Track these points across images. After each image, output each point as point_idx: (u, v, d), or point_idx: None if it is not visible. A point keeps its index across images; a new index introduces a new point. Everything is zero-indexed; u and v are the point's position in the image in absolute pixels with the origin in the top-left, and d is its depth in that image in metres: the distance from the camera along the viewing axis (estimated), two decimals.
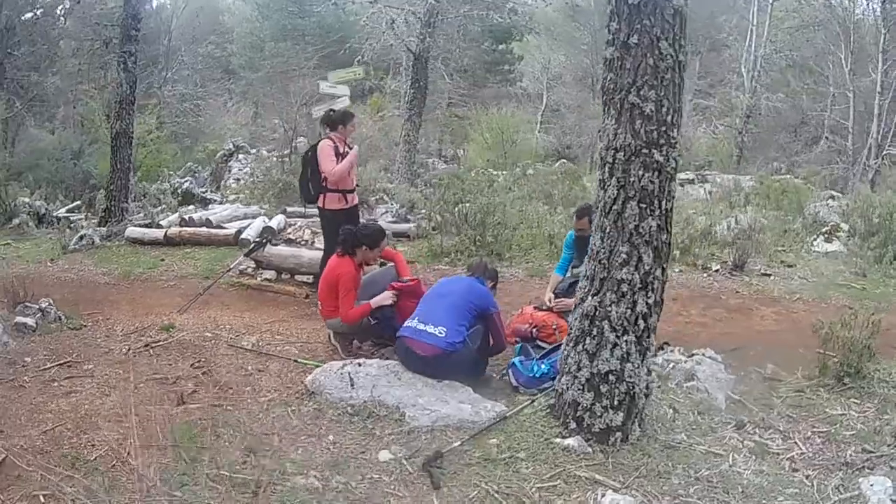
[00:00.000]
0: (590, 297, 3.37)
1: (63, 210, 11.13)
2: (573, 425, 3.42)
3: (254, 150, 17.07)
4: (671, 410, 3.76)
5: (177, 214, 9.72)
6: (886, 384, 4.11)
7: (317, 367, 4.25)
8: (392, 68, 23.68)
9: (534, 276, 7.13)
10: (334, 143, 5.73)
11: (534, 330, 4.88)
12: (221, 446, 3.34)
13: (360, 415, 3.68)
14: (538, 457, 3.24)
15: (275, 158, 14.76)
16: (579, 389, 3.40)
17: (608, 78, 3.23)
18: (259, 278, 6.78)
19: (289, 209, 10.06)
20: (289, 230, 8.41)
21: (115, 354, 4.60)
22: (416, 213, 10.23)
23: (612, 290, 3.32)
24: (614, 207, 3.28)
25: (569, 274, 5.52)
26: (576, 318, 3.47)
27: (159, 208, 11.14)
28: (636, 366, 3.34)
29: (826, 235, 8.47)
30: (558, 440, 3.36)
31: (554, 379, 3.78)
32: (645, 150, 3.21)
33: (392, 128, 18.41)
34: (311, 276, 6.34)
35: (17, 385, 3.92)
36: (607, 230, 3.31)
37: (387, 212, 10.93)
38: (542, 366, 4.08)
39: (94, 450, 3.24)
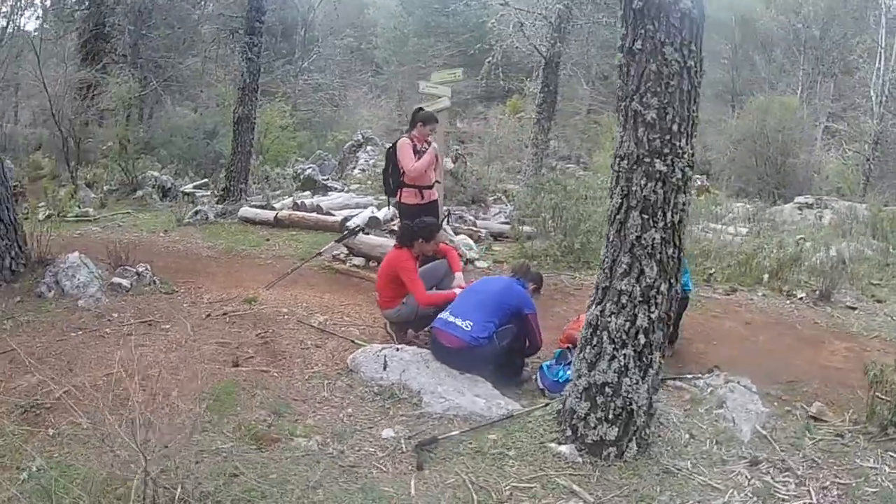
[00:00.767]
0: (594, 306, 3.36)
1: (190, 186, 12.20)
2: (569, 433, 3.43)
3: (382, 143, 17.92)
4: (687, 435, 3.64)
5: (291, 198, 10.51)
6: None
7: None
8: (534, 70, 23.86)
9: None
10: (413, 141, 5.97)
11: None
12: (253, 405, 3.70)
13: (383, 395, 3.91)
14: (527, 458, 3.27)
15: None
16: (577, 398, 3.39)
17: (619, 85, 3.21)
18: (348, 264, 7.20)
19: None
20: (394, 222, 8.84)
21: (194, 318, 5.15)
22: (512, 215, 10.29)
23: (612, 301, 3.29)
24: (618, 217, 3.26)
25: None
26: (583, 327, 3.46)
27: (278, 192, 12.08)
28: (634, 381, 3.28)
29: None
30: (553, 445, 3.38)
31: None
32: (647, 159, 3.16)
33: (527, 130, 18.53)
34: None
35: (98, 335, 4.55)
36: (611, 239, 3.29)
37: (500, 212, 11.09)
38: (567, 371, 4.04)
39: (143, 393, 3.69)
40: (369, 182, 13.36)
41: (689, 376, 4.48)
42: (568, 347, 4.83)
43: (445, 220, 8.32)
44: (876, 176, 18.06)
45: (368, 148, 15.71)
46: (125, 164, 10.87)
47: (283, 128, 15.76)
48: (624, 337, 3.28)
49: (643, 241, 3.21)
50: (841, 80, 23.47)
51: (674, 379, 4.41)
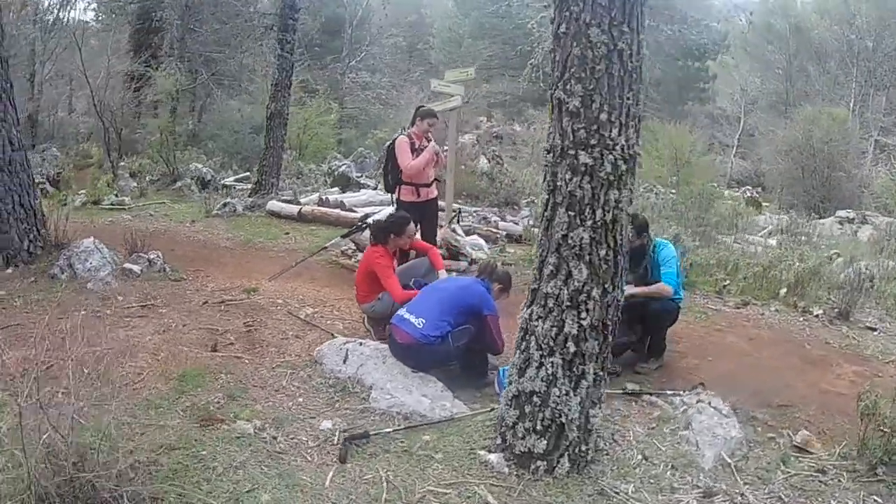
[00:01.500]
0: (524, 309, 3.28)
1: (232, 179, 12.78)
2: (499, 442, 3.35)
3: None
4: (640, 456, 3.52)
5: (317, 194, 10.89)
6: None
7: None
8: None
9: None
10: (411, 139, 6.11)
11: None
12: (214, 387, 3.98)
13: (336, 387, 4.11)
14: (453, 462, 3.31)
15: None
16: (507, 405, 3.32)
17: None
18: (353, 259, 7.46)
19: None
20: (456, 221, 8.98)
21: (191, 305, 5.51)
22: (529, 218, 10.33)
23: (539, 304, 3.17)
24: (546, 214, 3.12)
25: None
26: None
27: (309, 187, 12.50)
28: (564, 392, 3.15)
29: None
30: (482, 453, 3.35)
31: None
32: (571, 152, 2.97)
33: None
34: None
35: (98, 316, 4.95)
36: (540, 238, 3.19)
37: (529, 214, 11.18)
38: None
39: (121, 370, 4.04)
40: None
41: (668, 392, 4.37)
42: None
43: (455, 218, 8.45)
44: None
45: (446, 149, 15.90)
46: (166, 155, 11.49)
47: (322, 124, 16.16)
48: (551, 344, 3.13)
49: (570, 241, 3.04)
50: (893, 94, 22.31)
51: (649, 394, 4.35)
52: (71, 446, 2.40)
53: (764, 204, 13.88)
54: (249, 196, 10.68)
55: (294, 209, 9.75)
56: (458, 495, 3.05)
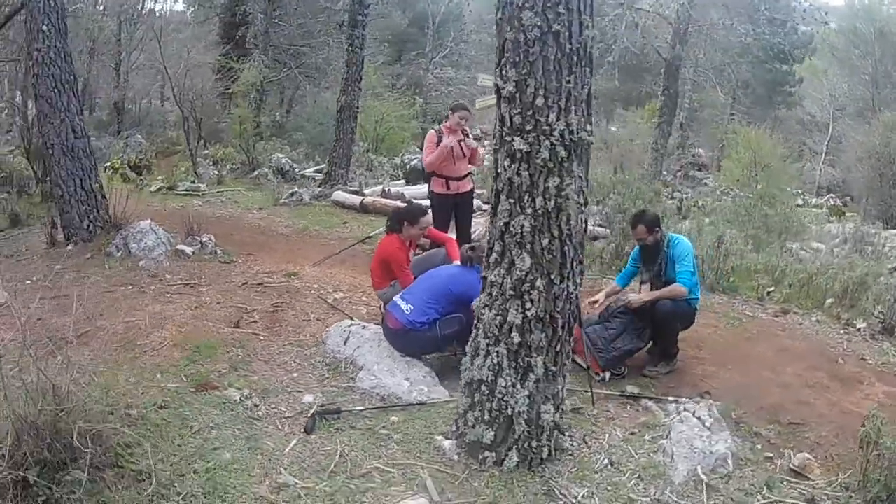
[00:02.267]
0: (479, 296, 3.31)
1: (311, 169, 13.42)
2: (454, 428, 3.40)
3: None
4: (607, 461, 3.43)
5: (381, 186, 11.29)
6: None
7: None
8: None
9: None
10: (440, 133, 6.20)
11: None
12: (222, 359, 4.37)
13: (331, 366, 4.40)
14: (409, 445, 3.43)
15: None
16: (462, 392, 3.37)
17: None
18: None
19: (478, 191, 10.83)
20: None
21: (230, 285, 6.00)
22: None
23: (486, 292, 3.19)
24: (493, 201, 3.13)
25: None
26: None
27: (377, 179, 12.95)
28: (510, 384, 3.14)
29: None
30: (439, 438, 3.43)
31: None
32: (508, 138, 2.94)
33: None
34: None
35: (142, 291, 5.54)
36: (488, 226, 3.22)
37: (596, 213, 11.05)
38: None
39: (146, 339, 4.55)
40: (477, 176, 13.79)
41: (668, 399, 4.26)
42: None
43: None
44: None
45: (485, 143, 16.10)
46: (245, 144, 12.27)
47: (400, 118, 16.53)
48: (496, 333, 3.12)
49: (512, 229, 3.01)
50: None
51: (648, 398, 4.28)
52: (53, 390, 2.78)
53: (848, 213, 12.84)
54: (319, 186, 11.23)
55: (357, 200, 10.17)
56: (401, 475, 3.17)
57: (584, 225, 3.23)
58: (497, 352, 3.17)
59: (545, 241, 3.02)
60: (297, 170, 12.93)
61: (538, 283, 3.06)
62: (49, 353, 3.09)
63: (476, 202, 8.51)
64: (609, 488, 3.25)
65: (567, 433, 3.57)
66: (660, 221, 4.95)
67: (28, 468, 2.63)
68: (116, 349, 4.31)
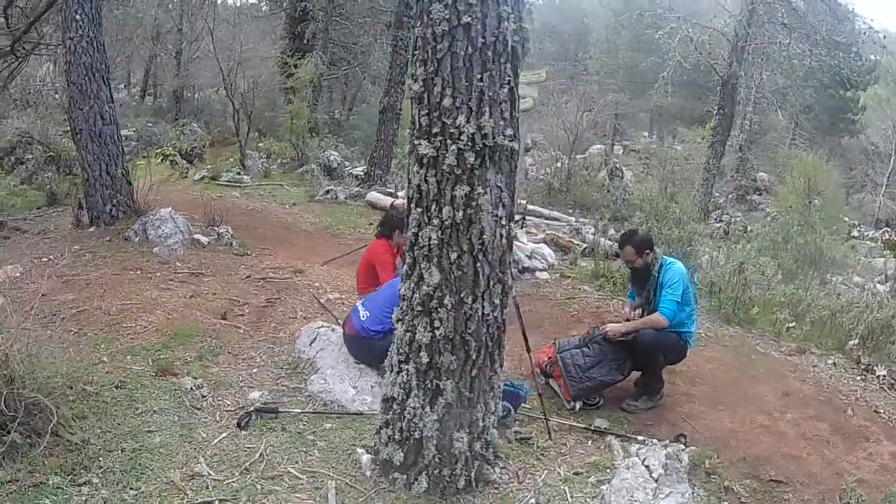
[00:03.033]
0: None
1: (360, 169, 13.71)
2: (373, 444, 3.32)
3: (549, 149, 18.19)
4: (534, 501, 3.24)
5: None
6: None
7: None
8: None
9: None
10: None
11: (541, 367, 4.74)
12: (194, 347, 4.66)
13: (291, 365, 4.58)
14: (329, 453, 3.50)
15: (559, 163, 15.56)
16: (380, 407, 3.30)
17: None
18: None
19: (534, 208, 10.83)
20: (518, 226, 9.23)
21: (234, 278, 6.33)
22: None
23: (399, 306, 3.09)
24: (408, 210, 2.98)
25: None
26: None
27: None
28: (419, 405, 3.02)
29: None
30: (361, 451, 3.43)
31: None
32: (416, 142, 2.78)
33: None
34: None
35: (148, 277, 5.95)
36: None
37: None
38: None
39: (133, 322, 4.92)
40: (521, 187, 13.81)
41: (638, 438, 4.02)
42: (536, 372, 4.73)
43: (519, 223, 8.52)
44: None
45: (535, 152, 16.12)
46: (295, 140, 12.73)
47: None
48: (407, 350, 3.00)
49: (420, 240, 2.85)
50: None
51: (616, 435, 4.08)
52: (6, 359, 3.11)
53: None
54: (358, 185, 11.55)
55: (387, 201, 10.41)
56: (309, 483, 3.24)
57: (505, 240, 2.98)
58: (407, 370, 3.06)
59: (453, 256, 2.83)
60: (346, 168, 13.29)
61: (446, 300, 2.88)
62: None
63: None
64: None
65: (498, 465, 3.44)
66: (652, 244, 4.70)
67: None
68: (102, 329, 4.70)
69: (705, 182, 13.83)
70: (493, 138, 2.77)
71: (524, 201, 11.86)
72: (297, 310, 5.72)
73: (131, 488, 3.07)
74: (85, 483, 3.04)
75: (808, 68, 14.23)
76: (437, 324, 2.93)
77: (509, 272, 3.13)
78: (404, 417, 3.14)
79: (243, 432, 3.67)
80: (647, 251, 4.60)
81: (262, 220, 8.84)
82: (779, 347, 5.95)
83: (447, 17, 2.62)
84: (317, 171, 12.52)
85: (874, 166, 22.43)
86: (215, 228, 7.16)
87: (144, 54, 17.87)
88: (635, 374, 4.71)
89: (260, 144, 13.70)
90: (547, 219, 10.20)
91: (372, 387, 4.31)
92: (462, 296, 2.89)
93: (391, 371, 3.25)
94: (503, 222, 2.95)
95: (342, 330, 4.64)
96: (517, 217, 8.52)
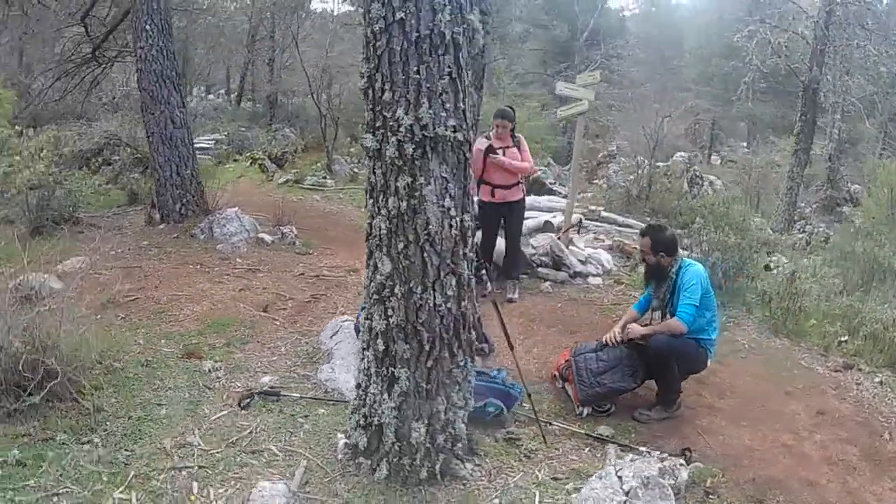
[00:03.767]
0: None
1: None
2: (347, 428, 3.43)
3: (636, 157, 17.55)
4: (498, 502, 3.22)
5: None
6: None
7: None
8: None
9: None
10: (489, 139, 6.19)
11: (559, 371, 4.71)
12: (227, 335, 5.04)
13: (310, 355, 4.80)
14: (312, 436, 3.65)
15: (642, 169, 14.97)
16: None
17: None
18: None
19: (608, 215, 10.56)
20: (575, 231, 9.03)
21: (288, 275, 6.69)
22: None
23: (364, 293, 3.23)
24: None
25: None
26: None
27: None
28: (378, 392, 3.11)
29: None
30: (340, 436, 3.54)
31: None
32: (363, 136, 2.95)
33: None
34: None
35: (206, 271, 6.46)
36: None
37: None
38: None
39: (179, 310, 5.41)
40: (601, 194, 13.42)
41: (640, 449, 3.82)
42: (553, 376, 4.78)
43: (576, 228, 8.24)
44: None
45: (622, 160, 15.56)
46: None
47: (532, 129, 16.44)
48: (367, 336, 3.12)
49: (373, 230, 2.99)
50: None
51: (617, 444, 3.93)
52: (38, 335, 3.61)
53: None
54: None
55: None
56: (284, 460, 3.43)
57: (456, 232, 3.02)
58: (367, 357, 3.18)
59: (400, 245, 2.93)
60: None
61: (397, 289, 2.98)
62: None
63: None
64: None
65: (472, 461, 3.45)
66: (671, 248, 4.44)
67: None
68: (148, 315, 5.22)
69: (789, 191, 12.92)
70: (434, 129, 2.83)
71: (601, 208, 11.55)
72: (338, 305, 5.98)
73: (126, 450, 3.41)
74: (87, 442, 3.42)
75: (892, 73, 12.79)
76: (389, 312, 3.03)
77: (466, 265, 3.15)
78: (367, 403, 3.25)
79: (243, 411, 3.93)
80: (662, 253, 4.40)
81: (335, 223, 9.26)
82: (825, 362, 5.46)
83: (383, 14, 2.74)
84: None
85: None
86: (280, 228, 7.63)
87: (240, 61, 19.16)
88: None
89: (351, 150, 14.30)
90: (620, 226, 9.84)
91: None
92: (411, 286, 2.97)
93: (360, 356, 3.36)
94: (451, 213, 2.99)
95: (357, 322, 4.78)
96: (575, 222, 8.34)
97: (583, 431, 4.10)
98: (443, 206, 2.94)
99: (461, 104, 2.92)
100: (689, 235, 7.58)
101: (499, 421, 4.03)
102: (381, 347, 3.11)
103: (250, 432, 3.71)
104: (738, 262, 6.79)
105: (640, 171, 11.13)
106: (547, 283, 7.09)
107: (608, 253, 8.20)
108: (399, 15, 2.71)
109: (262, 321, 5.40)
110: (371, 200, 3.03)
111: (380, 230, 2.98)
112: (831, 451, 4.09)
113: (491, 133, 6.30)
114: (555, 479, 3.50)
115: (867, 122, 16.92)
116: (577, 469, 3.61)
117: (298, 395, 4.17)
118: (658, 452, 3.70)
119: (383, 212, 2.96)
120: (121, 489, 3.09)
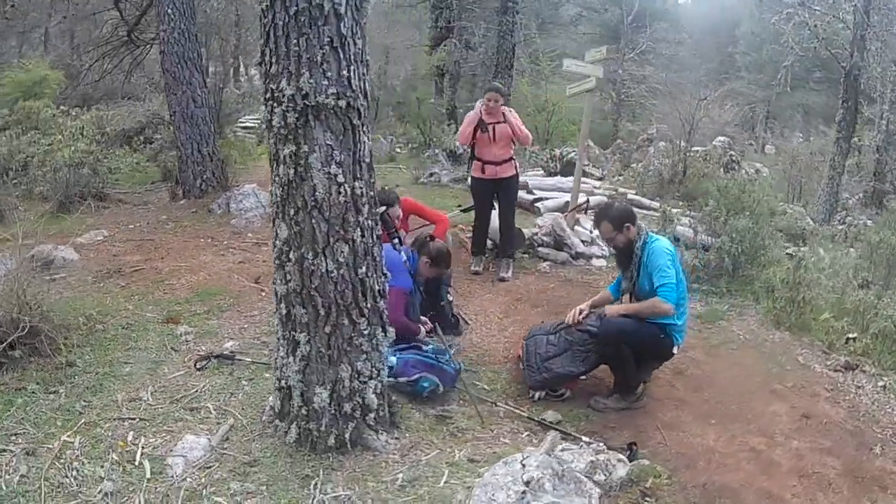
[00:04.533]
0: None
1: None
2: None
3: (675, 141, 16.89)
4: (402, 477, 3.17)
5: None
6: None
7: None
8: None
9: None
10: (479, 114, 6.16)
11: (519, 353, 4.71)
12: (210, 303, 5.44)
13: None
14: (249, 397, 3.84)
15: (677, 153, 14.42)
16: None
17: None
18: (465, 235, 8.02)
19: (635, 198, 10.41)
20: (582, 211, 8.99)
21: None
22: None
23: None
24: None
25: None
26: None
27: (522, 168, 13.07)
28: (283, 354, 3.28)
29: None
30: (272, 398, 3.61)
31: (394, 374, 3.95)
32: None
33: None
34: (491, 242, 7.11)
35: (214, 244, 6.89)
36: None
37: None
38: (393, 358, 4.10)
39: (176, 280, 5.91)
40: (633, 176, 13.08)
41: (583, 438, 3.70)
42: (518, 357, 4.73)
43: (583, 208, 8.14)
44: None
45: (661, 144, 15.04)
46: (421, 125, 13.36)
47: (555, 112, 15.99)
48: (275, 299, 3.24)
49: (273, 197, 3.13)
50: None
51: (560, 431, 3.85)
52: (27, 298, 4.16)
53: None
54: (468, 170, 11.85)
55: None
56: (216, 418, 3.65)
57: (344, 199, 3.11)
58: (275, 320, 3.36)
59: (292, 212, 3.06)
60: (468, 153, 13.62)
61: (292, 254, 3.12)
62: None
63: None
64: None
65: (390, 433, 3.53)
66: (633, 217, 4.27)
67: None
68: (147, 284, 5.75)
69: (830, 181, 12.22)
70: (315, 98, 2.93)
71: (631, 191, 11.32)
72: None
73: (84, 401, 3.85)
74: (53, 392, 3.89)
75: None
76: (288, 277, 3.18)
77: (360, 232, 3.22)
78: (279, 366, 3.39)
79: (198, 372, 4.27)
80: (628, 225, 4.20)
81: None
82: (826, 360, 5.06)
83: None
84: (441, 156, 12.98)
85: None
86: None
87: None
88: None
89: (398, 130, 14.59)
90: (647, 209, 9.64)
91: None
92: (303, 251, 3.11)
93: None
94: (339, 179, 3.07)
95: None
96: (581, 202, 8.26)
97: (526, 415, 4.08)
98: (328, 172, 3.04)
99: (345, 72, 3.01)
100: (700, 219, 7.30)
101: (438, 397, 4.11)
102: (284, 311, 3.27)
103: (196, 391, 4.04)
104: (750, 248, 6.53)
105: (676, 156, 10.77)
106: (545, 263, 7.10)
107: None
108: None
109: (249, 291, 5.75)
110: (272, 170, 3.19)
111: (276, 197, 3.14)
112: (807, 462, 3.69)
113: (480, 106, 6.17)
114: (472, 460, 3.42)
115: None
116: (499, 453, 3.49)
117: (250, 359, 4.46)
118: (597, 444, 3.62)
119: (276, 179, 3.11)
120: (68, 433, 3.52)
